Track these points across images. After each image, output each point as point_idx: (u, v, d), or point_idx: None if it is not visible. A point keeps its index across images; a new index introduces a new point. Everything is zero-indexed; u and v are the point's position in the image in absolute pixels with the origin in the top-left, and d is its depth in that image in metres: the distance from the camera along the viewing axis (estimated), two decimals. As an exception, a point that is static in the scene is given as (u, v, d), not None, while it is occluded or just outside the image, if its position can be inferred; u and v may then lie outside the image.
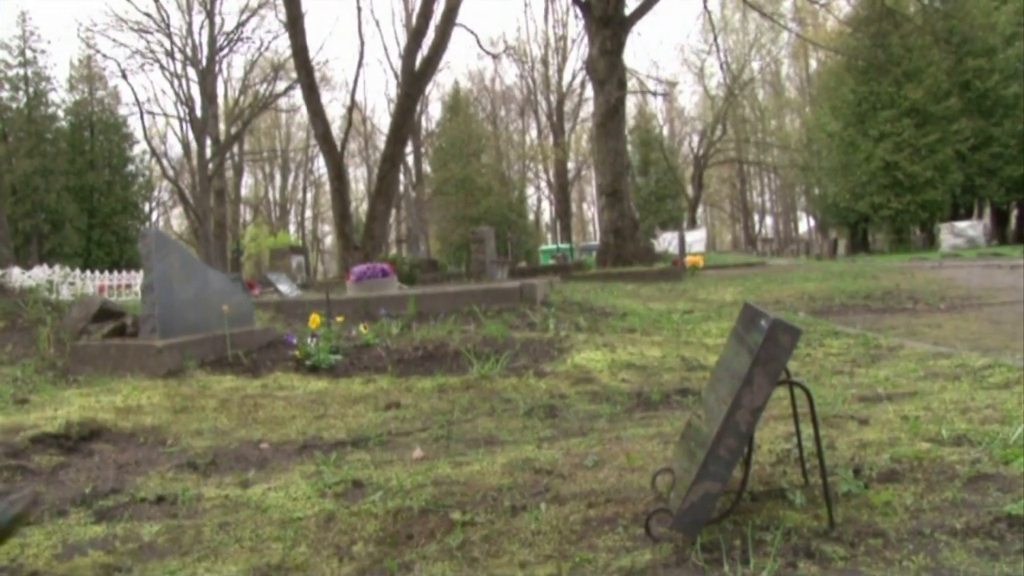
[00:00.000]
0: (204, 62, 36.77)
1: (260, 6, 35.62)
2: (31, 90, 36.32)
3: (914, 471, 1.83)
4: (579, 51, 48.88)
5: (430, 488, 2.05)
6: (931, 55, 34.86)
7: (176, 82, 36.98)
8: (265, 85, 39.21)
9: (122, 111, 38.47)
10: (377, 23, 72.62)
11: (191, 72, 37.13)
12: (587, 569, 1.44)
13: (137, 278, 15.99)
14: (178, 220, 48.88)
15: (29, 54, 36.36)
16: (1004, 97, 34.77)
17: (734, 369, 1.55)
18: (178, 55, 36.73)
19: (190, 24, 37.35)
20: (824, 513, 1.56)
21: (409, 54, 18.88)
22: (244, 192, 52.23)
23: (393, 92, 46.58)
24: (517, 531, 1.67)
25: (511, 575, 1.45)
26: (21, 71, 36.19)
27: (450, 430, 2.92)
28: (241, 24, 36.98)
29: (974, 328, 5.60)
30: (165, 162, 39.68)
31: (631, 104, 42.70)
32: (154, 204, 43.87)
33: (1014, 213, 39.16)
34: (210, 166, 35.39)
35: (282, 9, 21.52)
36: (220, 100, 40.49)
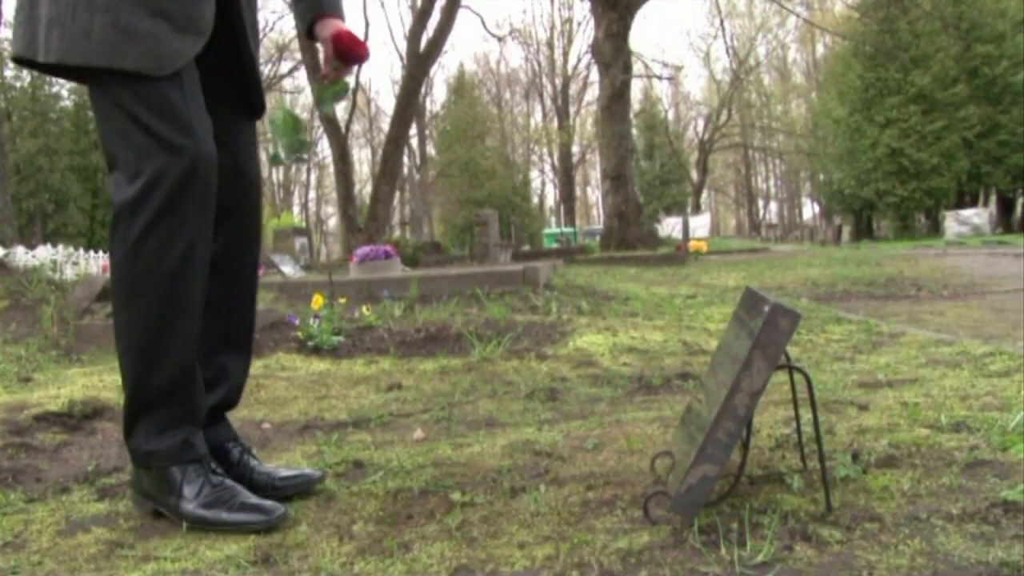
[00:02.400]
0: (209, 42, 36.65)
1: (265, -14, 35.55)
2: (35, 69, 36.06)
3: (912, 457, 1.84)
4: (585, 34, 48.72)
5: (430, 469, 2.06)
6: (939, 41, 34.63)
7: (180, 62, 36.77)
8: (270, 66, 39.11)
9: (126, 90, 38.36)
10: (382, 4, 72.45)
11: (195, 52, 37.02)
12: (585, 550, 1.45)
13: (141, 258, 15.95)
14: (182, 200, 48.86)
15: (33, 32, 36.16)
16: (1012, 84, 34.50)
17: (735, 353, 1.55)
18: (183, 35, 36.60)
19: (195, 3, 37.29)
20: (822, 497, 1.57)
21: (414, 35, 18.82)
22: (248, 173, 52.05)
23: (398, 74, 46.46)
24: (516, 512, 1.68)
25: (509, 555, 1.46)
26: (25, 49, 35.94)
27: (451, 412, 2.94)
28: (246, 4, 36.81)
29: (976, 316, 5.60)
30: (169, 142, 39.66)
31: (636, 88, 42.58)
32: (158, 184, 43.85)
33: (1020, 201, 39.02)
34: (214, 147, 35.32)
35: (287, -11, 21.44)
36: (224, 80, 40.35)
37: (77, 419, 2.95)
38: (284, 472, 1.94)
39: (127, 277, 1.71)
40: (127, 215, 1.68)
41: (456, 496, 1.80)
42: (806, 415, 1.87)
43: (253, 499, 1.73)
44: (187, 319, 1.75)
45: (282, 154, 2.20)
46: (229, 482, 1.76)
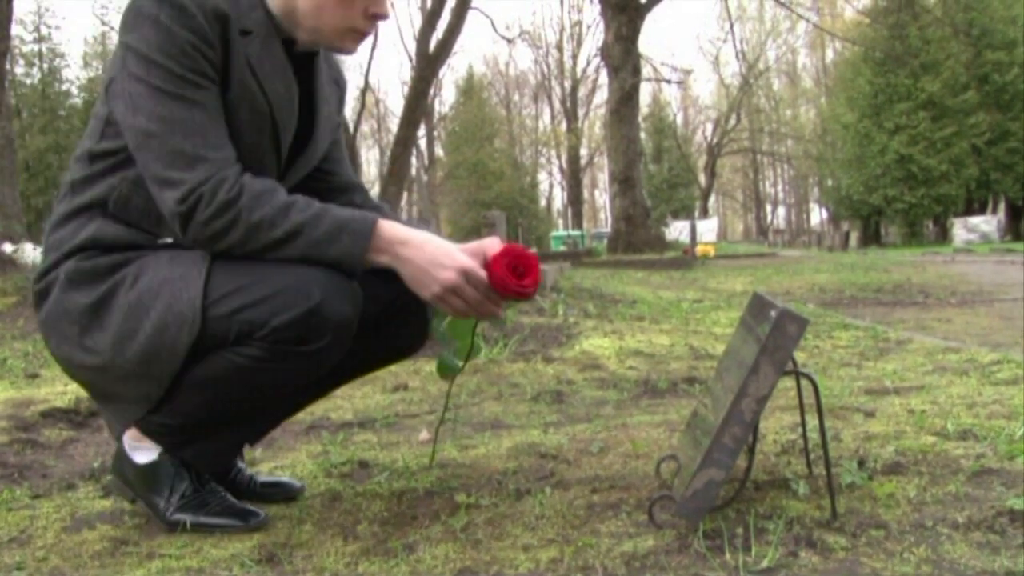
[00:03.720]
0: (219, 41, 36.81)
1: (275, -14, 35.70)
2: (45, 66, 36.30)
3: (918, 464, 1.83)
4: (594, 37, 48.71)
5: (436, 470, 2.06)
6: (949, 47, 34.54)
7: (190, 61, 36.90)
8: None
9: (136, 89, 38.64)
10: (392, 5, 72.18)
11: (205, 51, 37.16)
12: (590, 553, 1.45)
13: (149, 256, 16.02)
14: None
15: (44, 30, 36.34)
16: (1023, 91, 34.34)
17: (742, 358, 1.55)
18: (193, 33, 36.77)
19: (205, 3, 37.44)
20: (827, 504, 1.57)
21: (423, 37, 18.82)
22: (256, 172, 52.35)
23: (407, 75, 46.52)
24: (521, 514, 1.68)
25: (514, 558, 1.46)
26: (36, 47, 36.16)
27: (457, 413, 2.94)
28: (256, 4, 36.95)
29: (984, 323, 5.59)
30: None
31: (645, 91, 42.58)
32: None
33: (1029, 209, 38.74)
34: (223, 146, 35.46)
35: (297, -11, 21.48)
36: (234, 80, 40.54)
37: (83, 416, 2.96)
38: (265, 479, 1.93)
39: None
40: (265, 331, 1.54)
41: (461, 498, 1.80)
42: (812, 421, 1.86)
43: (236, 504, 1.72)
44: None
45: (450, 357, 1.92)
46: (214, 486, 1.74)
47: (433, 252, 1.55)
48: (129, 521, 1.77)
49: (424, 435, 2.57)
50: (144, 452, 1.71)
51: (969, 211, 36.51)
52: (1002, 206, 38.89)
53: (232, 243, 1.53)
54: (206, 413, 1.66)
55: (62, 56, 36.43)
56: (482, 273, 1.55)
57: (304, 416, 2.97)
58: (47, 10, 36.72)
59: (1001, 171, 35.31)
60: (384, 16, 1.67)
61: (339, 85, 1.90)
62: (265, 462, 2.28)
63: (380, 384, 3.55)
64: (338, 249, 1.53)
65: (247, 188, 1.52)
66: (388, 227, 1.56)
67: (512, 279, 1.51)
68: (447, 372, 1.98)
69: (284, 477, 1.99)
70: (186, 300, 1.53)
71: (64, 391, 3.23)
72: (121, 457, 1.75)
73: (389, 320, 1.80)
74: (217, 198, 1.50)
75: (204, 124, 1.52)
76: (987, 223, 32.52)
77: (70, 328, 1.61)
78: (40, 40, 35.73)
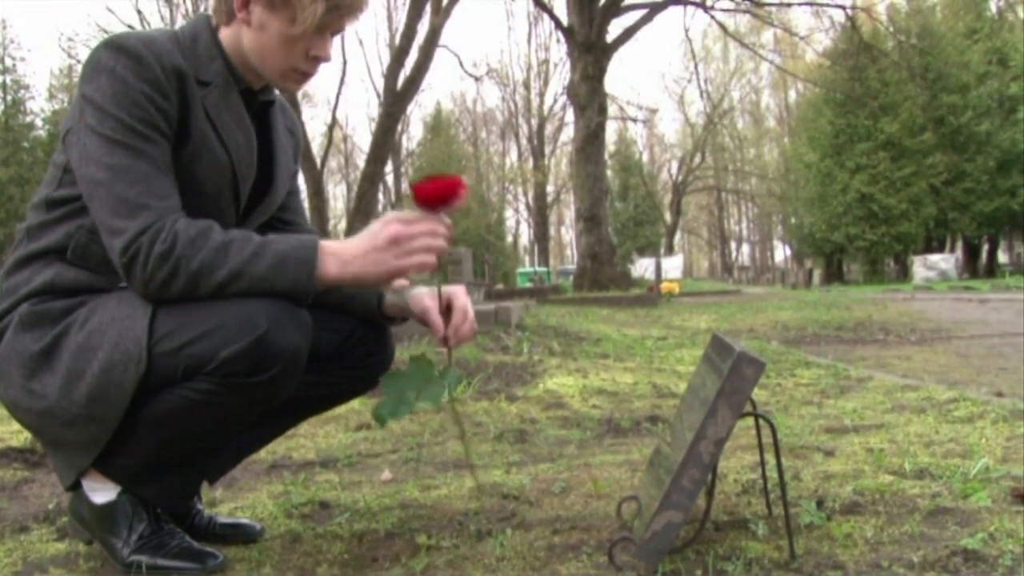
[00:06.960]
0: (186, 75, 36.72)
1: (244, 21, 35.77)
2: (9, 98, 35.93)
3: (876, 504, 1.86)
4: (561, 75, 49.25)
5: (397, 511, 2.05)
6: (907, 90, 35.44)
7: (157, 95, 36.74)
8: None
9: (101, 122, 38.45)
10: (360, 42, 72.71)
11: (172, 85, 37.05)
12: (550, 596, 1.45)
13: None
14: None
15: (8, 62, 36.04)
16: (977, 133, 35.37)
17: (704, 396, 1.57)
18: (159, 68, 36.66)
19: (173, 37, 37.36)
20: (786, 544, 1.58)
21: (391, 73, 18.91)
22: (222, 206, 52.00)
23: (375, 111, 46.65)
24: (481, 556, 1.67)
25: (474, 601, 1.46)
26: (0, 78, 35.77)
27: (420, 452, 2.93)
28: (224, 39, 36.97)
29: (942, 361, 5.68)
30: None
31: (611, 129, 43.04)
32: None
33: (985, 248, 39.74)
34: (188, 180, 35.24)
35: (266, 25, 21.49)
36: (201, 114, 40.40)
37: (39, 455, 2.90)
38: (224, 520, 1.92)
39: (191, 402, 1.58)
40: (215, 367, 1.53)
41: (422, 539, 1.79)
42: (772, 461, 1.88)
43: (194, 546, 1.69)
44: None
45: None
46: (172, 527, 1.72)
47: (366, 237, 1.57)
48: (83, 564, 1.74)
49: (386, 474, 2.55)
50: (102, 492, 1.69)
51: (928, 249, 37.26)
52: (960, 244, 39.72)
53: (179, 292, 1.52)
54: (164, 451, 1.64)
55: (27, 88, 36.12)
56: (409, 212, 1.59)
57: (266, 455, 2.93)
58: (12, 41, 36.43)
59: (958, 211, 36.14)
60: (326, 59, 1.68)
61: (294, 134, 1.92)
62: (226, 503, 2.25)
63: (343, 423, 3.52)
64: (285, 280, 1.53)
65: (180, 236, 1.51)
66: (329, 245, 1.58)
67: (436, 188, 1.58)
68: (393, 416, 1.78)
69: (244, 519, 1.97)
70: (131, 338, 1.53)
71: (20, 430, 3.17)
72: (79, 497, 1.72)
73: (350, 351, 1.83)
74: (154, 250, 1.50)
75: (149, 174, 1.53)
76: (945, 261, 33.18)
77: (17, 372, 1.59)
78: (4, 71, 35.42)
